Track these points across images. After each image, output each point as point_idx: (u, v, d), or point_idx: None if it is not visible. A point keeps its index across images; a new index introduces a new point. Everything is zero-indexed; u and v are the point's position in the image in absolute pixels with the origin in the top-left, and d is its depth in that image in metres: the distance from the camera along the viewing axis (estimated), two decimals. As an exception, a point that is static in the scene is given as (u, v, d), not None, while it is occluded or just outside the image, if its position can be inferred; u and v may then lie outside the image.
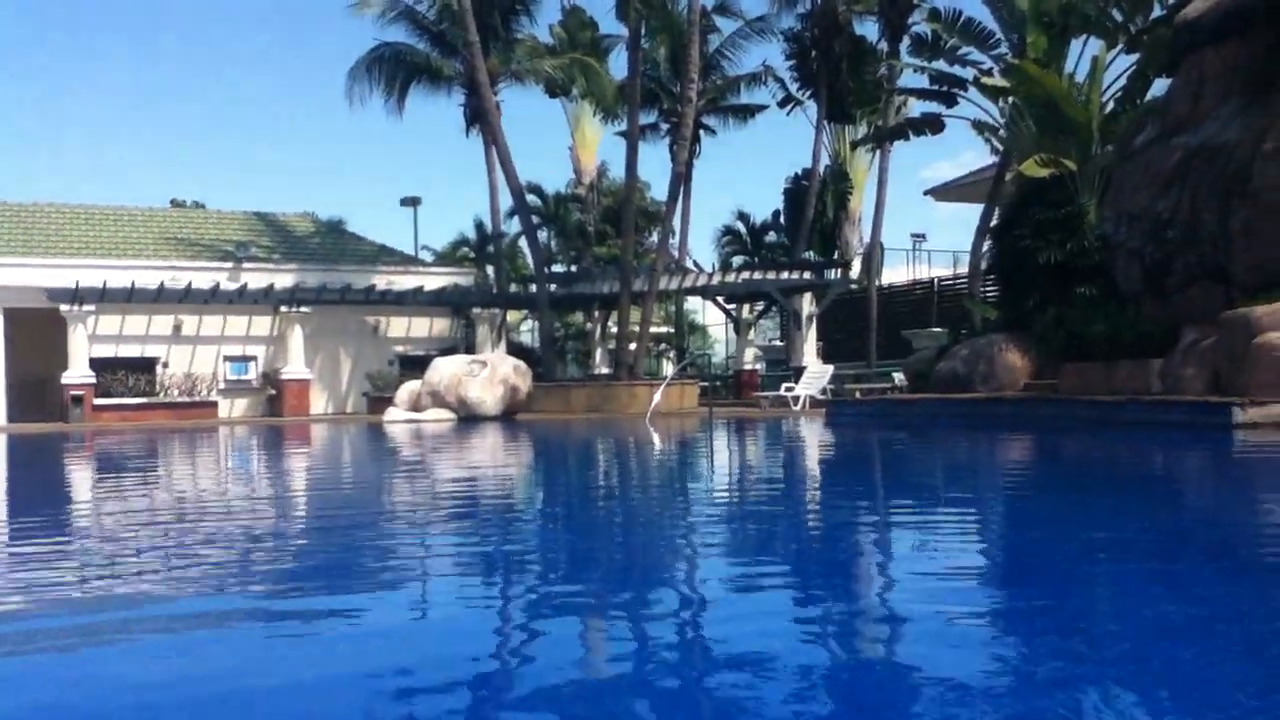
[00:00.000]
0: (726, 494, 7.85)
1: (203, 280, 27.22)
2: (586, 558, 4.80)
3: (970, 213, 31.09)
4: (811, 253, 33.16)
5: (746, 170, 78.79)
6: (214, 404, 27.47)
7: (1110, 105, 19.62)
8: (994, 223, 22.70)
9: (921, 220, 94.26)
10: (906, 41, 27.72)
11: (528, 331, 41.76)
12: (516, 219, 33.16)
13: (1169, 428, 10.91)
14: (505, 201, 31.14)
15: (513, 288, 32.44)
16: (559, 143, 55.99)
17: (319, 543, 5.40)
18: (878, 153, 34.96)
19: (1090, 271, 17.64)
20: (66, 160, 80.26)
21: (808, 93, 33.94)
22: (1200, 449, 9.61)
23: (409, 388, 23.33)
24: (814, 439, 14.38)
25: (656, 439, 15.15)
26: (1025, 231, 18.62)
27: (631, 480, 9.44)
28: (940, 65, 22.73)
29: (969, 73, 22.48)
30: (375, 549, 5.03)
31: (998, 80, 20.35)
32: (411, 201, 42.36)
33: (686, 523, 6.06)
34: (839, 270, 30.83)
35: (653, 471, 10.38)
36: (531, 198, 38.81)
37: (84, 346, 25.92)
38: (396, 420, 21.78)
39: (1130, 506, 5.99)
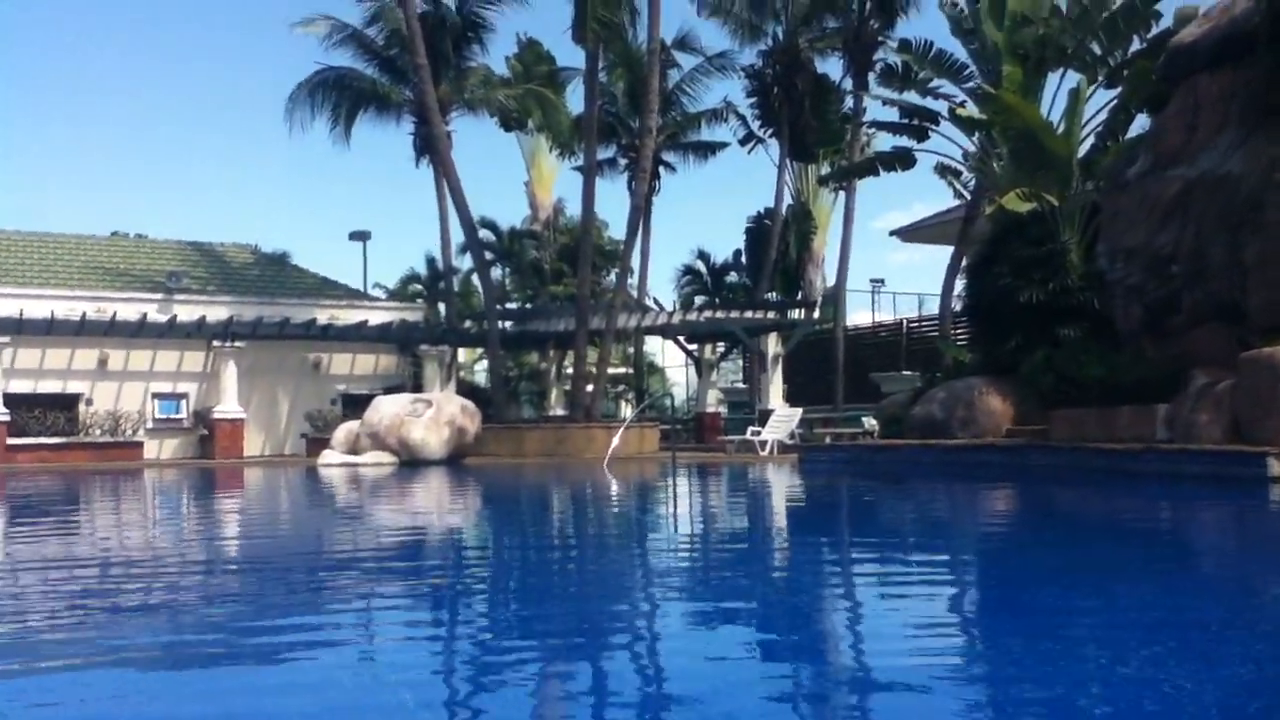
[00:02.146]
0: (697, 555, 6.54)
1: (131, 312, 25.52)
2: (522, 632, 3.95)
3: (929, 257, 30.37)
4: (774, 293, 32.14)
5: (707, 210, 78.13)
6: (139, 445, 25.65)
7: (1090, 140, 18.77)
8: (967, 262, 21.77)
9: (877, 267, 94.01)
10: (872, 77, 26.96)
11: (482, 372, 40.29)
12: (470, 256, 31.86)
13: (1192, 480, 9.78)
14: (458, 236, 29.85)
15: (467, 325, 31.00)
16: (514, 178, 54.86)
17: (188, 614, 4.03)
18: (840, 193, 34.23)
19: (1074, 311, 16.67)
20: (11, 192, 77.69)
21: (769, 131, 33.14)
22: (1238, 505, 8.46)
23: (347, 428, 21.76)
24: (788, 489, 13.12)
25: (615, 487, 13.82)
26: (1004, 269, 17.65)
27: (586, 538, 8.10)
28: (911, 97, 21.81)
29: (941, 105, 21.58)
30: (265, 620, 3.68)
31: (973, 112, 19.44)
32: (360, 236, 40.90)
33: (651, 594, 4.76)
34: (804, 311, 29.78)
35: (610, 527, 9.04)
36: (486, 233, 37.56)
37: (-2, 381, 24.13)
38: (331, 464, 20.20)
39: (1196, 581, 4.79)
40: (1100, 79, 19.03)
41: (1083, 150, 18.63)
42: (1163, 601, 4.42)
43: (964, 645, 3.79)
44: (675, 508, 10.63)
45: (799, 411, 22.76)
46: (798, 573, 5.77)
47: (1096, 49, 19.03)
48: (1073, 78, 19.53)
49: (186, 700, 3.00)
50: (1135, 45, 18.80)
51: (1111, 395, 13.59)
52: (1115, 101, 18.53)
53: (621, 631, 4.07)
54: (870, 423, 22.13)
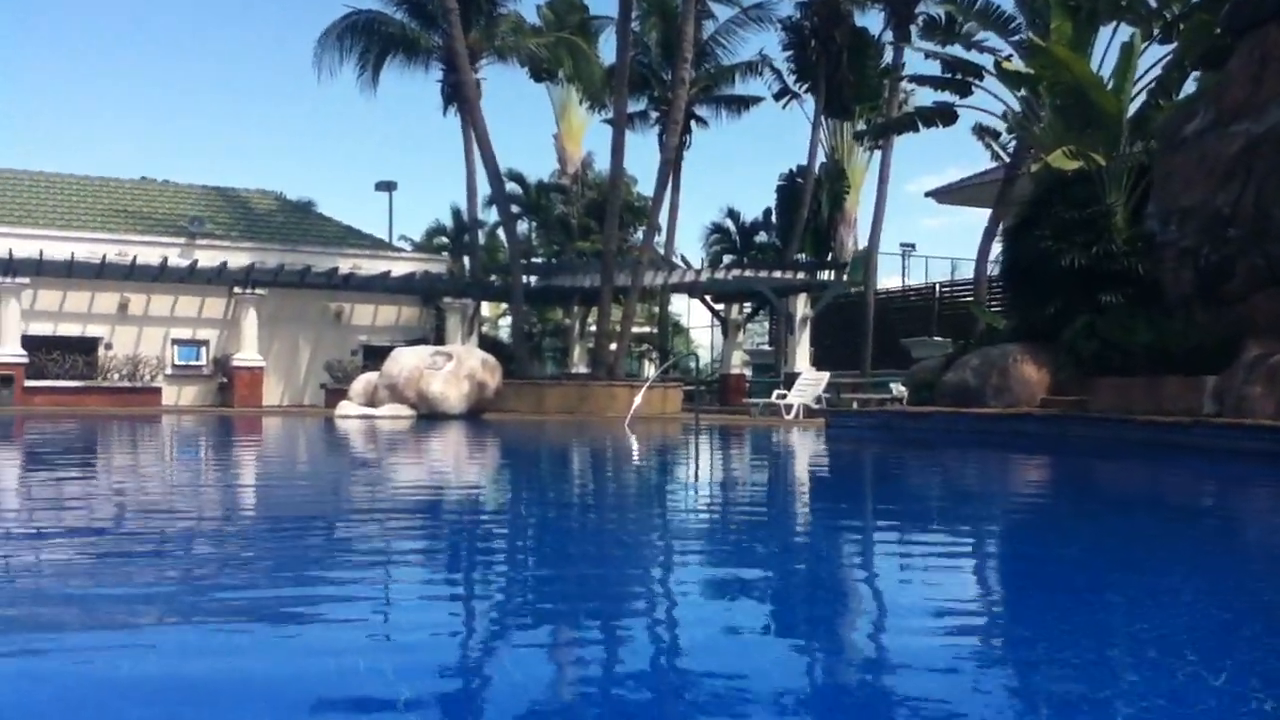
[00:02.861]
0: (717, 522, 6.04)
1: (153, 256, 25.18)
2: (533, 598, 3.65)
3: (960, 223, 29.57)
4: (804, 254, 31.43)
5: (737, 168, 77.01)
6: (158, 390, 25.41)
7: (1141, 97, 17.92)
8: (1006, 224, 21.03)
9: (908, 231, 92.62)
10: (914, 31, 26.04)
11: (507, 327, 39.89)
12: (496, 208, 31.30)
13: (1246, 457, 9.17)
14: (484, 189, 29.28)
15: (492, 279, 30.49)
16: (543, 131, 54.04)
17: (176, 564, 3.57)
18: (876, 152, 33.38)
19: (1118, 277, 15.95)
20: (34, 132, 77.63)
21: (805, 86, 32.31)
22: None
23: (365, 379, 21.35)
24: (814, 454, 12.59)
25: (636, 447, 13.35)
26: (1045, 232, 16.91)
27: (601, 500, 7.62)
28: (955, 51, 20.98)
29: (986, 60, 20.73)
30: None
31: (1020, 66, 18.59)
32: (386, 186, 40.49)
33: (667, 562, 4.28)
34: (834, 272, 29.07)
35: (630, 489, 8.56)
36: (513, 186, 36.95)
37: (16, 322, 23.85)
38: (349, 415, 19.81)
39: (1246, 563, 4.24)
40: (1155, 33, 18.14)
41: (1133, 108, 17.80)
42: (1217, 585, 3.90)
43: (995, 626, 3.35)
44: (696, 471, 10.13)
45: (826, 375, 22.17)
46: (821, 543, 5.28)
47: (1151, 1, 18.14)
48: (1124, 32, 18.68)
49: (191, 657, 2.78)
50: (1194, -2, 17.90)
51: (1158, 364, 12.95)
52: (1170, 57, 17.66)
53: (635, 599, 3.76)
54: (899, 389, 21.54)
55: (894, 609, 3.56)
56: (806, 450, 13.35)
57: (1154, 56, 18.36)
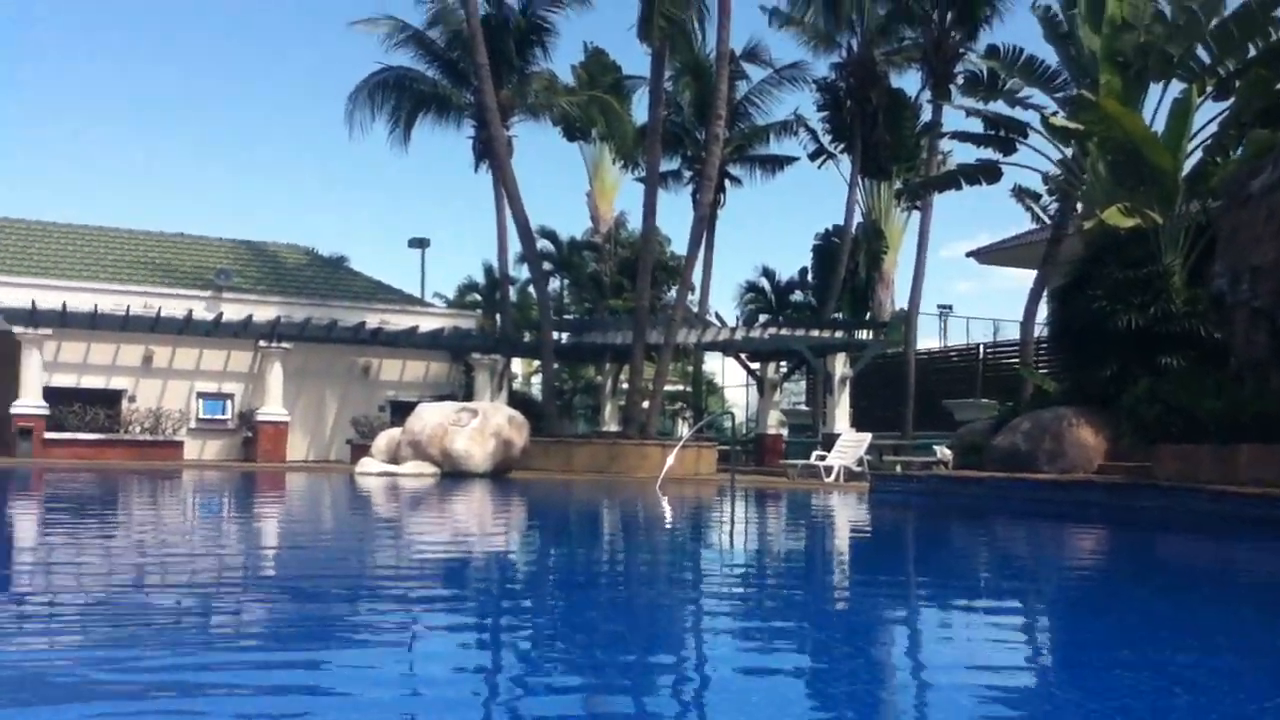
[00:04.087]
0: (759, 601, 5.32)
1: (178, 308, 24.88)
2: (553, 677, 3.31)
3: (996, 287, 28.80)
4: (840, 314, 30.79)
5: (772, 227, 76.65)
6: (179, 445, 24.95)
7: (1196, 154, 17.25)
8: (1055, 285, 20.28)
9: (942, 295, 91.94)
10: (954, 90, 25.62)
11: (539, 385, 39.40)
12: (527, 265, 30.93)
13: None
14: (516, 245, 28.92)
15: (526, 337, 30.00)
16: (577, 190, 54.00)
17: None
18: (913, 212, 32.83)
19: (1179, 339, 15.20)
20: (63, 185, 78.48)
21: (840, 146, 31.94)
22: None
23: (388, 436, 20.75)
24: (863, 523, 11.83)
25: (667, 511, 12.62)
26: (1098, 293, 16.18)
27: (629, 572, 6.91)
28: (997, 108, 20.44)
29: (1030, 117, 20.17)
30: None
31: (1067, 122, 18.00)
32: (419, 243, 40.31)
33: (699, 642, 3.60)
34: (873, 331, 28.37)
35: (661, 560, 7.84)
36: (545, 243, 36.66)
37: (37, 374, 23.53)
38: (369, 473, 19.19)
39: None
40: (1209, 90, 17.52)
41: (1188, 166, 17.16)
42: None
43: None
44: (734, 540, 9.40)
45: (868, 437, 21.38)
46: (875, 629, 4.56)
47: (1205, 58, 17.54)
48: (1174, 89, 18.09)
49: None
50: (1250, 53, 17.29)
51: (1227, 431, 12.14)
52: (1225, 114, 17.01)
53: (663, 676, 3.39)
54: (943, 452, 20.74)
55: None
56: (853, 518, 12.59)
57: (1208, 114, 17.75)
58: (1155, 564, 8.10)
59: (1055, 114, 19.45)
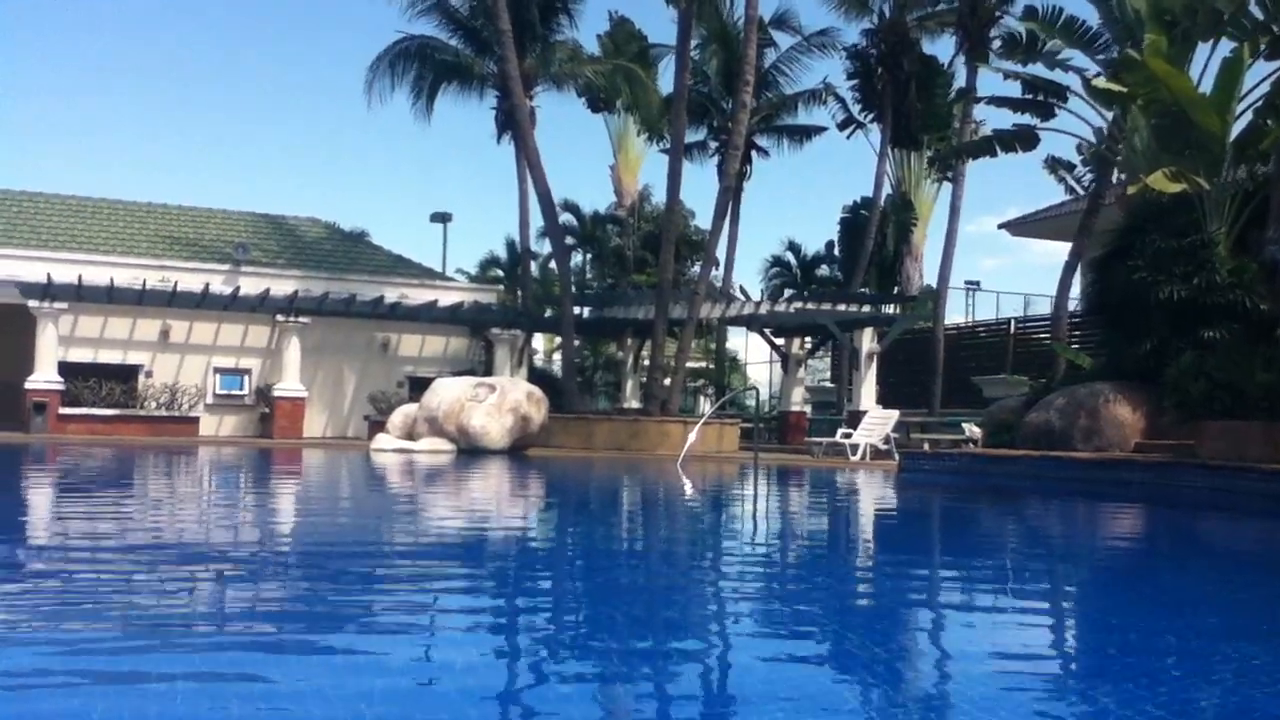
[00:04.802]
0: (787, 587, 4.78)
1: (195, 282, 24.51)
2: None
3: (1026, 262, 27.98)
4: (868, 288, 30.06)
5: (798, 200, 75.35)
6: (195, 420, 24.63)
7: (1247, 117, 16.42)
8: (1093, 256, 19.53)
9: (970, 270, 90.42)
10: (991, 54, 24.75)
11: (560, 362, 38.96)
12: (549, 238, 30.37)
13: None
14: (538, 219, 28.35)
15: (547, 313, 29.48)
16: (601, 163, 53.29)
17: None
18: (944, 183, 31.99)
19: (1223, 310, 14.51)
20: (84, 158, 78.35)
21: (870, 115, 31.08)
22: None
23: (404, 412, 20.29)
24: (893, 504, 11.26)
25: (690, 490, 12.08)
26: (1139, 263, 15.49)
27: (646, 556, 6.38)
28: (1036, 70, 19.66)
29: (1070, 79, 19.38)
30: None
31: (1110, 84, 17.20)
32: (441, 218, 39.84)
33: (722, 630, 3.14)
34: (901, 306, 27.64)
35: (681, 542, 7.31)
36: (567, 216, 36.08)
37: (53, 348, 23.23)
38: (384, 449, 18.76)
39: None
40: (1261, 49, 16.66)
41: (1236, 129, 16.34)
42: None
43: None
44: (759, 522, 8.86)
45: (895, 414, 20.72)
46: (912, 621, 4.01)
47: (1258, 14, 16.66)
48: (1223, 48, 17.24)
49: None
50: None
51: (1279, 407, 11.49)
52: (1278, 74, 16.17)
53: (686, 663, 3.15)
54: (972, 429, 20.10)
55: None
56: (882, 498, 12.01)
57: (1259, 74, 16.90)
58: (1221, 550, 7.50)
59: (1098, 76, 18.68)
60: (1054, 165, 32.43)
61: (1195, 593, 5.01)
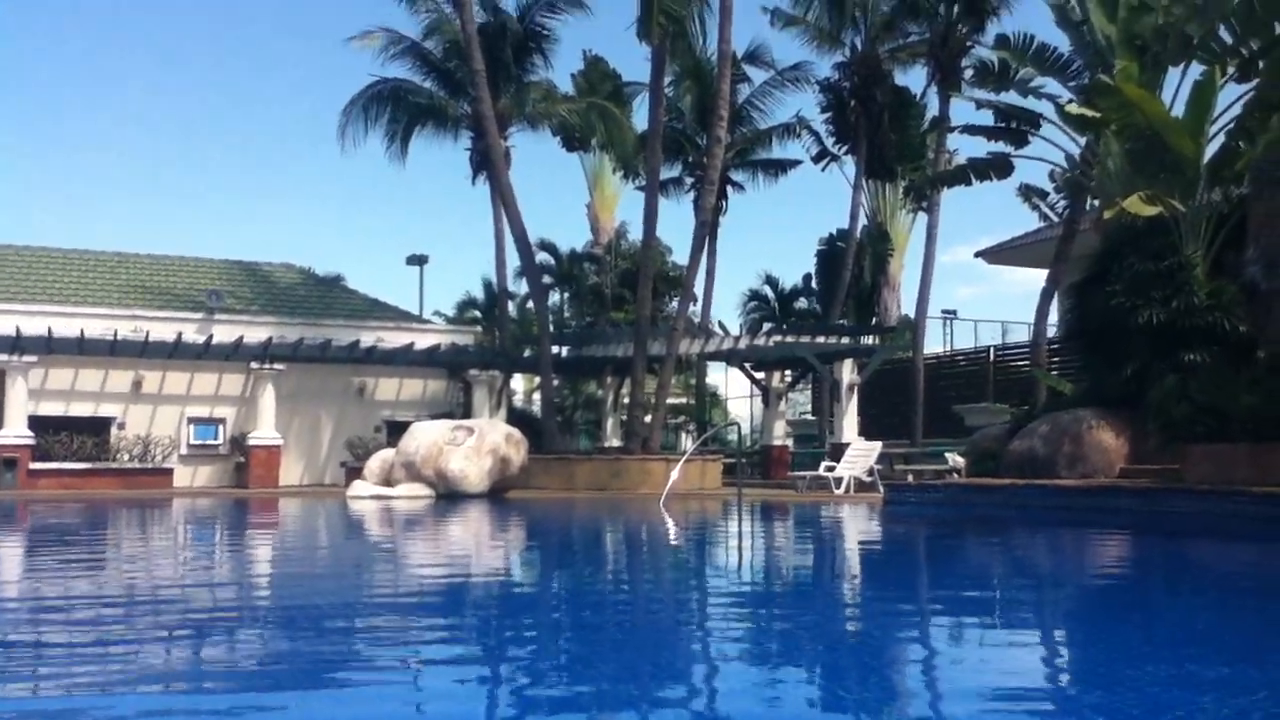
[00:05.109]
0: (778, 638, 4.54)
1: (167, 332, 24.19)
2: None
3: (1000, 292, 27.87)
4: (846, 320, 30.01)
5: (775, 234, 75.75)
6: (169, 472, 24.21)
7: (1219, 139, 16.44)
8: (1070, 282, 19.48)
9: (942, 300, 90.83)
10: (963, 83, 24.85)
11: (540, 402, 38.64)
12: (526, 278, 30.19)
13: None
14: (515, 259, 28.20)
15: (526, 353, 29.25)
16: (577, 202, 53.27)
17: None
18: (919, 214, 32.05)
19: (1203, 333, 14.44)
20: (54, 210, 77.85)
21: (844, 147, 31.22)
22: None
23: (381, 457, 19.97)
24: (881, 539, 11.03)
25: (673, 530, 11.83)
26: (1117, 288, 15.43)
27: (628, 606, 6.12)
28: (1009, 99, 19.70)
29: (1044, 106, 19.41)
30: None
31: (1083, 109, 17.21)
32: (418, 260, 39.66)
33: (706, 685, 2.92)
34: (880, 337, 27.56)
35: (665, 585, 7.05)
36: (544, 256, 35.96)
37: (22, 402, 22.83)
38: (361, 496, 18.41)
39: None
40: (1231, 72, 16.73)
41: (1209, 152, 16.36)
42: None
43: None
44: (746, 561, 8.61)
45: (878, 446, 20.55)
46: (908, 656, 3.79)
47: (1227, 38, 16.76)
48: (1193, 72, 17.30)
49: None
50: (1277, 30, 16.47)
51: (1264, 429, 11.35)
52: (1250, 95, 16.21)
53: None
54: (955, 459, 19.95)
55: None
56: (870, 532, 11.78)
57: (1230, 96, 16.96)
58: (1223, 576, 7.29)
59: (1070, 102, 18.72)
60: (1027, 193, 32.60)
61: (1200, 621, 4.80)
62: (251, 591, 6.48)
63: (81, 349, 23.28)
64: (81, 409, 24.46)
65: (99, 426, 24.41)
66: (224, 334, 24.73)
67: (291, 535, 11.58)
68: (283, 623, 4.96)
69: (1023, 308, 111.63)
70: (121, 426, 24.61)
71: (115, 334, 23.31)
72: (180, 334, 24.14)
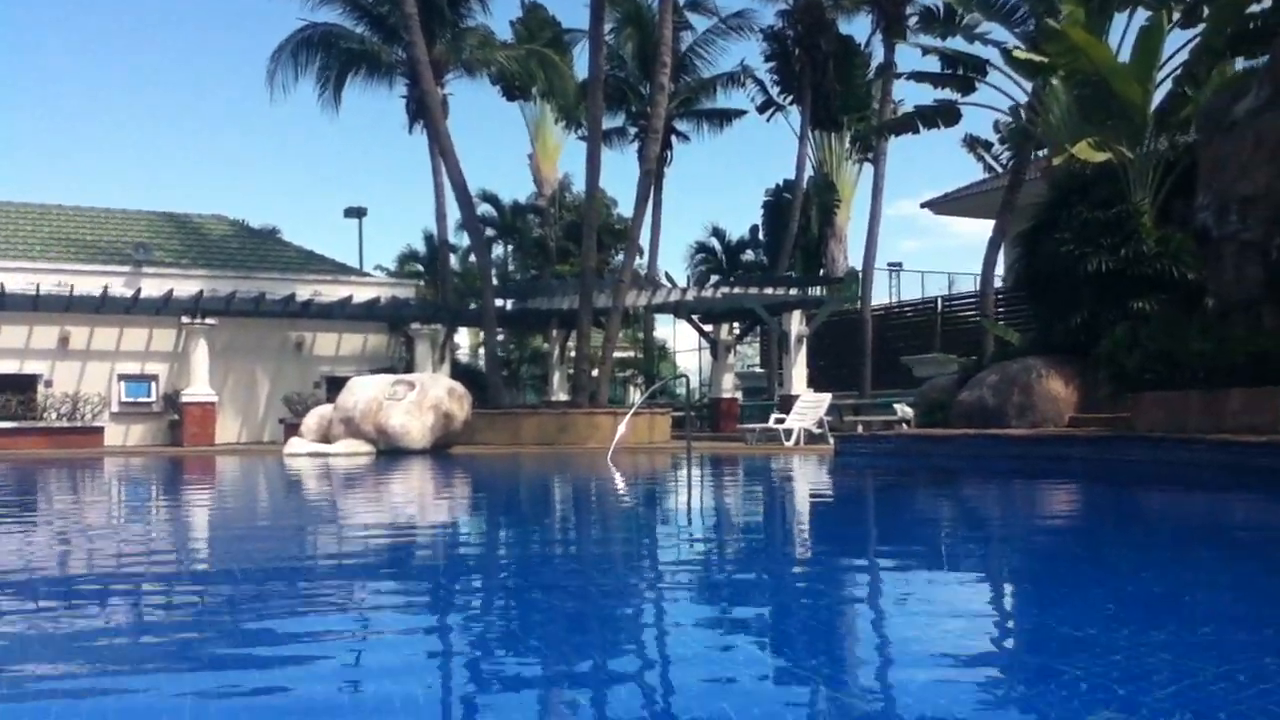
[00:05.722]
0: (729, 589, 4.26)
1: (93, 285, 23.30)
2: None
3: (946, 244, 27.87)
4: (794, 271, 29.85)
5: (721, 185, 75.38)
6: (99, 430, 23.44)
7: (1167, 86, 16.35)
8: (1019, 231, 19.41)
9: (888, 253, 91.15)
10: (910, 28, 24.57)
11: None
12: (466, 230, 29.55)
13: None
14: (455, 210, 27.57)
15: (471, 306, 28.70)
16: (519, 153, 52.33)
17: None
18: (864, 165, 31.86)
19: (1151, 281, 14.42)
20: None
21: (790, 97, 30.90)
22: None
23: (319, 413, 19.43)
24: (834, 489, 10.84)
25: (620, 484, 11.55)
26: (1066, 235, 15.34)
27: (575, 560, 5.81)
28: (955, 44, 19.47)
29: (990, 53, 19.21)
30: None
31: (1030, 54, 17.03)
32: (356, 213, 38.79)
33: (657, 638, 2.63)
34: (828, 288, 27.43)
35: (610, 544, 6.76)
36: (486, 208, 35.33)
37: (-58, 361, 21.94)
38: (297, 454, 17.90)
39: None
40: (1176, 17, 16.62)
41: (1157, 98, 16.27)
42: None
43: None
44: (696, 514, 8.35)
45: (828, 397, 20.43)
46: (862, 615, 3.55)
47: (1173, -18, 16.61)
48: (1139, 18, 17.18)
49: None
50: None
51: (1216, 376, 11.31)
52: (1197, 40, 16.11)
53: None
54: (904, 410, 19.92)
55: None
56: (821, 483, 11.60)
57: (1176, 42, 16.85)
58: (1165, 522, 7.16)
59: (1017, 48, 18.53)
60: (972, 144, 32.59)
61: (1170, 573, 4.61)
62: (171, 555, 6.08)
63: (3, 304, 22.36)
64: (5, 366, 23.58)
65: (24, 384, 23.54)
66: (153, 288, 23.90)
67: (216, 495, 11.12)
68: (201, 590, 4.59)
69: (967, 260, 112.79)
70: (49, 384, 23.76)
71: (38, 288, 22.40)
72: (106, 287, 23.27)
